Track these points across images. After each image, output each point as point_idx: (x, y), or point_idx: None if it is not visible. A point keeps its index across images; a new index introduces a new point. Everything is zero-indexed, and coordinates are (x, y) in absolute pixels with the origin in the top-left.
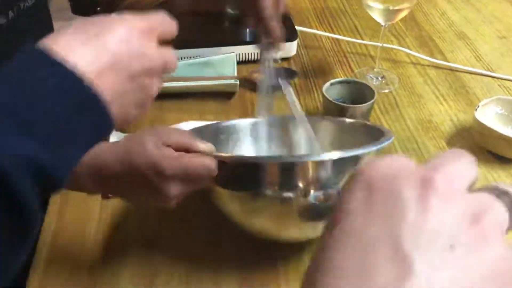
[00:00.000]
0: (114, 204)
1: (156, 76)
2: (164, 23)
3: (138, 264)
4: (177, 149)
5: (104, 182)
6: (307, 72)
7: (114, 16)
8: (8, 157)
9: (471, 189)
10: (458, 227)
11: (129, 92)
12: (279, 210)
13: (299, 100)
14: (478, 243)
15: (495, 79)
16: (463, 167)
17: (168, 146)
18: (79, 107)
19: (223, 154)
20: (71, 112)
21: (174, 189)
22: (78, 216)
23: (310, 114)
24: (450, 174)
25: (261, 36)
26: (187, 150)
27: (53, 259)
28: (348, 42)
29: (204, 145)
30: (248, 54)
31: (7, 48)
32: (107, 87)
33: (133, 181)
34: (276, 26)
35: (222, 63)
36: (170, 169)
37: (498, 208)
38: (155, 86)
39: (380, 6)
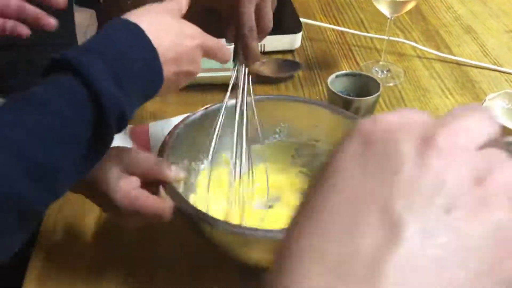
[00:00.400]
0: None
1: (188, 78)
2: (220, 50)
3: (138, 258)
4: (144, 178)
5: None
6: (312, 65)
7: (188, 28)
8: (108, 102)
9: (490, 144)
10: (459, 188)
11: (170, 81)
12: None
13: (303, 92)
14: (479, 207)
15: (502, 73)
16: (475, 123)
17: (134, 175)
18: (150, 75)
19: (185, 204)
20: (145, 79)
21: (127, 222)
22: (78, 210)
23: None
24: (457, 130)
25: (239, 52)
26: (156, 178)
27: (53, 252)
28: (353, 35)
29: (174, 173)
30: None
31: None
32: (165, 73)
33: (95, 198)
34: (254, 47)
35: None
36: (123, 208)
37: (508, 168)
38: (183, 84)
39: None
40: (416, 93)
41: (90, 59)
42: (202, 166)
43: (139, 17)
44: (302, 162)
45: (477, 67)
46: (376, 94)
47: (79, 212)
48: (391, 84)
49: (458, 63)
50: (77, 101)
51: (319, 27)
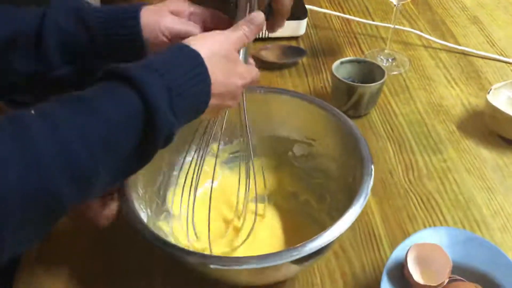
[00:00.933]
0: None
1: (224, 111)
2: (257, 80)
3: (136, 258)
4: None
5: None
6: (316, 52)
7: (240, 66)
8: (161, 122)
9: None
10: None
11: (208, 112)
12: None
13: (306, 79)
14: None
15: (508, 64)
16: None
17: None
18: (198, 104)
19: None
20: (194, 107)
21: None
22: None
23: (317, 94)
24: None
25: None
26: None
27: (46, 249)
28: (358, 22)
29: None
30: None
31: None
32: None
33: None
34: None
35: None
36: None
37: None
38: (232, 106)
39: None
40: (421, 82)
41: (151, 78)
42: (188, 159)
43: (202, 43)
44: (296, 161)
45: (483, 57)
46: (381, 81)
47: (68, 221)
48: (396, 73)
49: (464, 53)
50: (131, 114)
51: (324, 14)
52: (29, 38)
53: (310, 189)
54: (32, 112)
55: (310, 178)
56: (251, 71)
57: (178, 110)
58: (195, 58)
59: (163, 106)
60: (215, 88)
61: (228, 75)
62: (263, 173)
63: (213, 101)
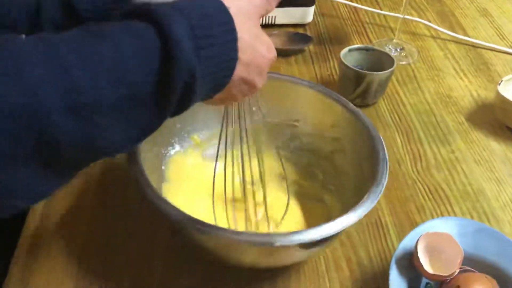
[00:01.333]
0: (114, 193)
1: (248, 92)
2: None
3: (135, 253)
4: None
5: None
6: (323, 40)
7: (265, 37)
8: (180, 57)
9: None
10: None
11: (234, 86)
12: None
13: (313, 66)
14: None
15: None
16: None
17: None
18: (224, 58)
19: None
20: (219, 60)
21: None
22: (70, 200)
23: (324, 82)
24: None
25: None
26: None
27: (39, 245)
28: (366, 11)
29: None
30: (262, 17)
31: None
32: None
33: None
34: None
35: None
36: None
37: None
38: (239, 99)
39: None
40: (430, 73)
41: (171, 12)
42: (172, 152)
43: (226, 1)
44: (280, 143)
45: (492, 49)
46: (390, 70)
47: (72, 202)
48: (404, 63)
49: (474, 45)
50: (145, 43)
51: (332, 2)
52: (24, 27)
53: (298, 169)
54: (23, 36)
55: (296, 158)
56: (274, 48)
57: (202, 55)
58: (220, 5)
59: (184, 40)
60: (242, 49)
61: (255, 40)
62: (258, 158)
63: (239, 70)
